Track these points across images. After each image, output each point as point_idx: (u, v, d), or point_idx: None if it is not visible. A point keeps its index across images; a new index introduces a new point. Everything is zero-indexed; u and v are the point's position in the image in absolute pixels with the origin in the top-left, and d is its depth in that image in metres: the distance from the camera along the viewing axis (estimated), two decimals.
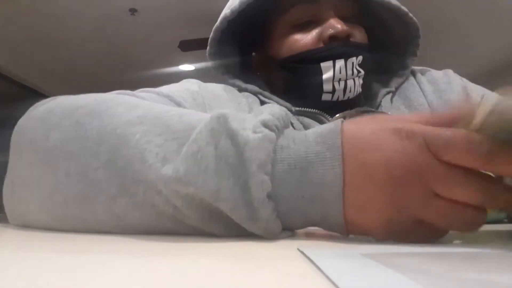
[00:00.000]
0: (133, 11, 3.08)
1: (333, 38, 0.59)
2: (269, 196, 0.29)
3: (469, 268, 0.20)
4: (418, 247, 0.27)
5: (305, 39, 0.61)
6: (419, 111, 0.63)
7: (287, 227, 0.31)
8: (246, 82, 0.66)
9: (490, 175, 0.26)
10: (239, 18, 0.61)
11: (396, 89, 0.66)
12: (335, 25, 0.58)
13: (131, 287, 0.17)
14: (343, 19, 0.60)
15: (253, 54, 0.71)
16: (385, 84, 0.67)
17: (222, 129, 0.30)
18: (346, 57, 0.58)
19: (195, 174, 0.29)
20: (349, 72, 0.59)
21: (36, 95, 4.50)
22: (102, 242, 0.32)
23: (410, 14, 0.62)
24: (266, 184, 0.29)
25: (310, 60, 0.60)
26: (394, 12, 0.62)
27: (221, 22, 0.61)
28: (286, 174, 0.30)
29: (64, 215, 0.36)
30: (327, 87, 0.59)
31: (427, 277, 0.18)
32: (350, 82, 0.59)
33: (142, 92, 0.56)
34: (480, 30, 3.19)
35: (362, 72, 0.60)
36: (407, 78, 0.68)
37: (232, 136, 0.29)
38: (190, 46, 3.19)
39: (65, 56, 3.83)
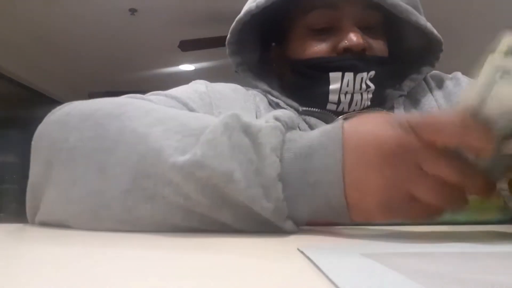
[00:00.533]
0: (133, 11, 3.08)
1: (347, 50, 0.58)
2: (280, 179, 0.32)
3: (469, 268, 0.20)
4: (418, 247, 0.27)
5: (319, 46, 0.60)
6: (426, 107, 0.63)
7: (292, 215, 0.33)
8: (258, 77, 0.66)
9: (471, 162, 0.30)
10: (261, 13, 0.60)
11: (408, 92, 0.66)
12: (352, 37, 0.57)
13: (132, 283, 0.17)
14: (364, 29, 0.59)
15: (273, 44, 0.69)
16: (398, 87, 0.66)
17: (235, 123, 0.33)
18: (356, 71, 0.57)
19: (211, 157, 0.32)
20: (357, 86, 0.58)
21: (36, 95, 4.50)
22: (110, 238, 0.32)
23: (435, 32, 0.61)
24: (277, 164, 0.32)
25: (320, 68, 0.59)
26: (419, 28, 0.60)
27: (245, 14, 0.60)
28: (292, 162, 0.33)
29: (79, 210, 0.37)
30: (332, 97, 0.59)
31: (427, 277, 0.18)
32: (357, 96, 0.59)
33: (151, 96, 0.57)
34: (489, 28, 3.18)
35: (372, 87, 0.59)
36: (419, 82, 0.67)
37: (245, 128, 0.33)
38: (190, 46, 3.19)
39: (65, 56, 3.83)
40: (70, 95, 4.72)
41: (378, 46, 0.61)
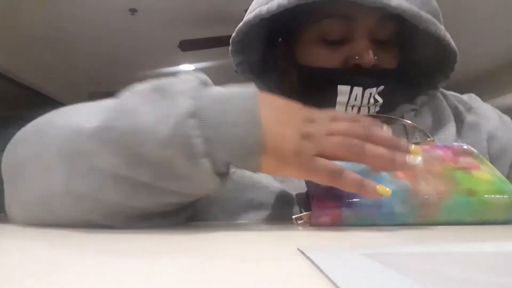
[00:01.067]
0: (133, 11, 3.08)
1: (357, 65, 0.57)
2: (193, 116, 0.33)
3: (469, 268, 0.20)
4: (418, 247, 0.27)
5: (330, 56, 0.58)
6: (445, 122, 0.63)
7: (209, 154, 0.34)
8: (260, 78, 0.65)
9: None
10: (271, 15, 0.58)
11: (420, 106, 0.64)
12: (363, 52, 0.56)
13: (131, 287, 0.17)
14: (377, 42, 0.58)
15: (280, 40, 0.68)
16: (410, 99, 0.65)
17: (146, 85, 0.37)
18: (365, 86, 0.57)
19: (116, 118, 0.35)
20: (365, 101, 0.57)
21: (36, 95, 4.50)
22: (94, 241, 0.32)
23: (453, 44, 0.58)
24: (187, 103, 0.34)
25: (329, 79, 0.58)
26: (436, 38, 0.58)
27: (254, 18, 0.58)
28: (211, 103, 0.35)
29: (37, 213, 0.40)
30: (339, 109, 0.58)
31: (427, 277, 0.18)
32: (363, 110, 0.58)
33: None
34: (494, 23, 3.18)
35: (380, 101, 0.58)
36: (434, 96, 0.66)
37: (156, 86, 0.36)
38: (190, 46, 3.19)
39: (65, 56, 3.83)
40: (70, 95, 4.74)
41: (389, 59, 0.59)
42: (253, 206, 0.52)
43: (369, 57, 0.55)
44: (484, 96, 0.75)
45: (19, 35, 3.34)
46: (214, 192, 0.38)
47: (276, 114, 0.36)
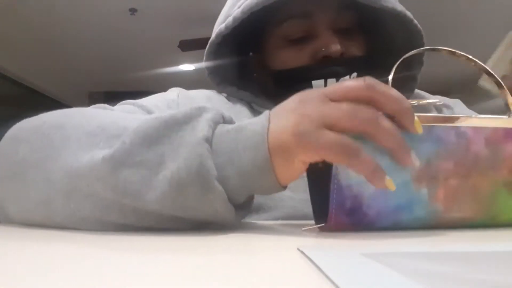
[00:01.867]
0: (133, 11, 3.08)
1: (326, 57, 0.57)
2: (205, 140, 0.33)
3: (469, 268, 0.20)
4: (418, 247, 0.27)
5: (298, 55, 0.59)
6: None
7: (222, 178, 0.33)
8: (241, 88, 0.65)
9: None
10: (234, 28, 0.59)
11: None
12: (329, 43, 0.57)
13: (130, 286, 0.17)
14: (340, 31, 0.58)
15: (251, 54, 0.69)
16: None
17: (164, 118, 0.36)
18: (338, 77, 0.57)
19: (138, 144, 0.34)
20: None
21: (36, 95, 4.50)
22: (92, 239, 0.32)
23: (415, 21, 0.60)
24: (206, 130, 0.34)
25: (302, 77, 0.59)
26: (399, 18, 0.59)
27: (216, 37, 0.60)
28: (223, 135, 0.34)
29: (38, 219, 0.39)
30: None
31: (427, 277, 0.18)
32: None
33: (119, 106, 0.58)
34: (487, 24, 3.17)
35: None
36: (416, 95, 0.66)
37: (174, 121, 0.35)
38: (190, 46, 3.19)
39: (65, 56, 3.83)
40: (70, 95, 4.74)
41: (355, 46, 0.60)
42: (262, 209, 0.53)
43: (335, 46, 0.56)
44: (476, 98, 0.75)
45: (19, 35, 3.34)
46: (230, 223, 0.36)
47: (279, 118, 0.34)
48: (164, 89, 0.67)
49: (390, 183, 0.32)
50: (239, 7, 0.58)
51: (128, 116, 0.40)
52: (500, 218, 0.38)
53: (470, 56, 0.41)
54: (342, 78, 0.57)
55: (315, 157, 0.32)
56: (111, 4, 2.97)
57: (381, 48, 0.65)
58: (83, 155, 0.35)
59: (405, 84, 0.65)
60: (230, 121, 0.38)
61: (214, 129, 0.35)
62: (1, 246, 0.31)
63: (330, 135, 0.31)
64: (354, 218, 0.34)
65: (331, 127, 0.31)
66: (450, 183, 0.35)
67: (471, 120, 0.36)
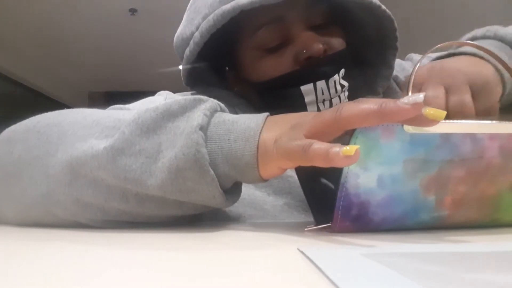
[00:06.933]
0: (133, 11, 3.08)
1: (309, 58, 0.54)
2: (199, 128, 0.34)
3: (468, 268, 0.20)
4: (418, 247, 0.27)
5: (278, 62, 0.55)
6: None
7: (212, 165, 0.35)
8: (228, 104, 0.63)
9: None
10: (209, 40, 0.56)
11: (383, 93, 0.63)
12: (309, 43, 0.53)
13: (132, 284, 0.17)
14: (316, 28, 0.55)
15: (227, 69, 0.65)
16: (372, 86, 0.63)
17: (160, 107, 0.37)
18: (326, 77, 0.54)
19: (138, 135, 0.35)
20: (332, 91, 0.54)
21: (36, 95, 4.50)
22: (90, 237, 0.32)
23: (383, 7, 0.57)
24: (201, 118, 0.35)
25: (289, 84, 0.55)
26: (366, 6, 0.56)
27: (186, 62, 0.58)
28: (219, 124, 0.36)
29: (36, 214, 0.40)
30: (311, 109, 0.55)
31: (427, 277, 0.18)
32: (335, 100, 0.55)
33: (107, 110, 0.57)
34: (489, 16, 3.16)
35: (346, 84, 0.56)
36: (391, 80, 0.64)
37: (170, 111, 0.36)
38: None
39: (65, 56, 3.83)
40: (70, 95, 4.74)
41: (335, 39, 0.57)
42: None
43: (317, 45, 0.53)
44: None
45: (19, 35, 3.34)
46: (221, 208, 0.37)
47: (277, 126, 0.35)
48: (164, 89, 0.67)
49: (349, 151, 0.29)
50: (197, 28, 0.55)
51: (122, 111, 0.43)
52: (503, 220, 0.38)
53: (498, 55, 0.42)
54: (331, 79, 0.54)
55: (285, 162, 0.34)
56: (111, 4, 2.97)
57: (354, 38, 0.62)
58: (81, 145, 0.37)
59: (379, 73, 0.63)
60: (225, 111, 0.40)
61: (210, 118, 0.36)
62: (1, 246, 0.31)
63: (295, 139, 0.32)
64: (359, 223, 0.34)
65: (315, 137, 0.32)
66: (458, 190, 0.35)
67: (488, 126, 0.34)
